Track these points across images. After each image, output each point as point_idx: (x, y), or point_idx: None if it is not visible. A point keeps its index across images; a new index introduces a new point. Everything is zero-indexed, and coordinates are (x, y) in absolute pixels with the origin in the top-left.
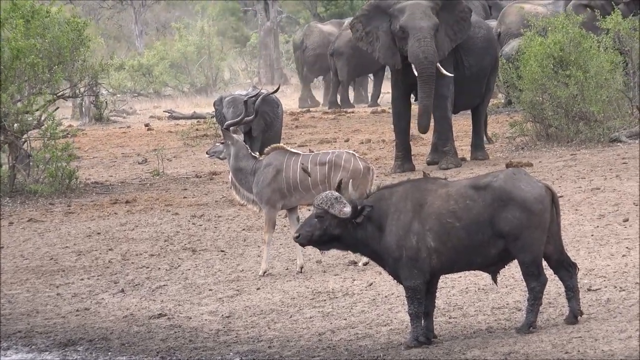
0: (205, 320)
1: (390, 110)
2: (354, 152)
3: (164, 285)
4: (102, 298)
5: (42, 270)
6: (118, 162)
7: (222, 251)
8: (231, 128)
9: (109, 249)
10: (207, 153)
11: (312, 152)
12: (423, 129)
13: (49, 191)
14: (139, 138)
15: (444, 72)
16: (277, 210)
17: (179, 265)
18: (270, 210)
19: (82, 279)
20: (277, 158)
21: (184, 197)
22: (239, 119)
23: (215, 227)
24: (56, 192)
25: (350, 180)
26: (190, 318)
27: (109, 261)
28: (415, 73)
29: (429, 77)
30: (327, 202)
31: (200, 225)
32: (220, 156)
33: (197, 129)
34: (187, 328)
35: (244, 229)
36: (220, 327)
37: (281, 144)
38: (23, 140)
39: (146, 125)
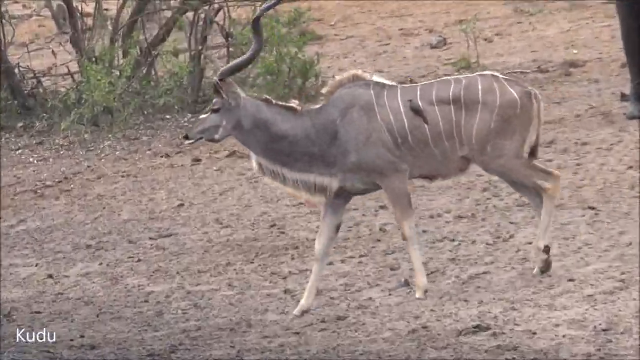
0: None
1: None
2: (497, 74)
3: None
4: None
5: None
6: (393, 45)
7: None
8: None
9: None
10: (185, 139)
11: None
12: None
13: None
14: (429, 0)
15: None
16: (404, 174)
17: None
18: (395, 180)
19: None
20: (356, 94)
21: None
22: (239, 60)
23: None
24: None
25: None
26: None
27: None
28: None
29: None
30: None
31: None
32: (216, 136)
33: None
34: None
35: None
36: None
37: (357, 71)
38: None
39: None
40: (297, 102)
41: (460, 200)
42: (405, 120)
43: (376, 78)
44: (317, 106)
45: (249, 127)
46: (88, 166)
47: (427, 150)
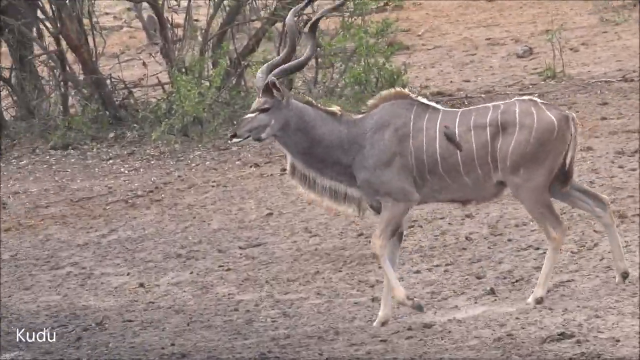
0: None
1: None
2: (535, 99)
3: None
4: None
5: None
6: (479, 55)
7: None
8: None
9: None
10: (233, 137)
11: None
12: None
13: None
14: (516, 10)
15: None
16: (411, 205)
17: None
18: (399, 207)
19: None
20: (397, 113)
21: (602, 118)
22: (292, 63)
23: None
24: None
25: None
26: None
27: None
28: None
29: None
30: None
31: None
32: (262, 135)
33: None
34: None
35: None
36: None
37: (403, 89)
38: None
39: None
40: (338, 107)
41: None
42: (437, 147)
43: (421, 99)
44: (358, 116)
45: (294, 127)
46: (178, 176)
47: (458, 177)
